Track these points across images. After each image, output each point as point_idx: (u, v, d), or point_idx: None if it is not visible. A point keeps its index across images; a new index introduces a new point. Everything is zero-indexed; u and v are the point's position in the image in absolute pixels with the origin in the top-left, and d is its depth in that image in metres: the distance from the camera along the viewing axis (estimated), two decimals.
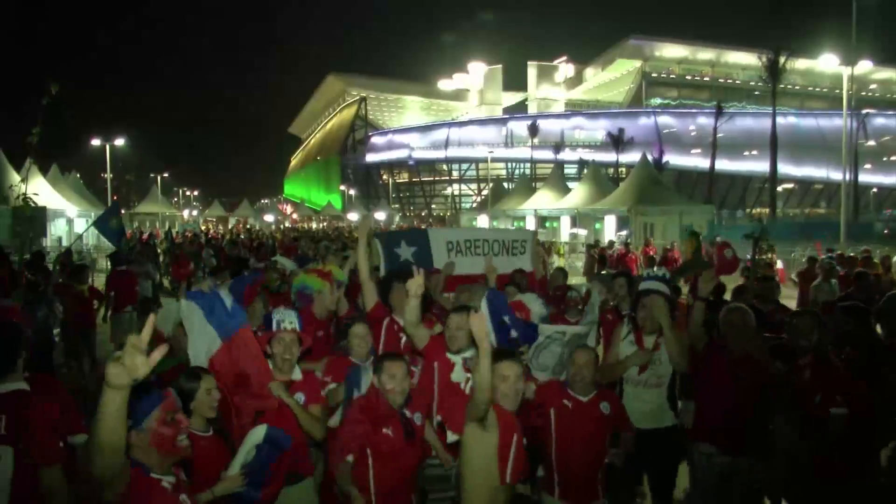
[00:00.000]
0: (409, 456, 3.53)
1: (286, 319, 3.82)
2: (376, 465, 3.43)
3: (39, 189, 19.62)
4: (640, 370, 4.50)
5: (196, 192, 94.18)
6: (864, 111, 56.21)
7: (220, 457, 3.24)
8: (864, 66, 35.51)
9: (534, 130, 71.33)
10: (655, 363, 4.54)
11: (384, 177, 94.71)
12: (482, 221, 43.04)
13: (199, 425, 3.23)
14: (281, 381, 3.67)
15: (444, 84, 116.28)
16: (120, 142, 39.20)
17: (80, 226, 31.90)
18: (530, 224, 35.07)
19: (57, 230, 28.42)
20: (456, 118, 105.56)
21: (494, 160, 74.58)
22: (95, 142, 38.51)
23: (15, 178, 19.71)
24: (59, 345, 8.20)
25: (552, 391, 3.91)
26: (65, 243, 27.95)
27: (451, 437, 3.53)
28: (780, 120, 46.45)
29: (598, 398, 3.85)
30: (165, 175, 66.73)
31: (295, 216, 65.59)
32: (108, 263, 11.94)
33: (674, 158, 65.00)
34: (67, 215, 28.70)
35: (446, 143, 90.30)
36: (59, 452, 3.31)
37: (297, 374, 3.84)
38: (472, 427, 3.29)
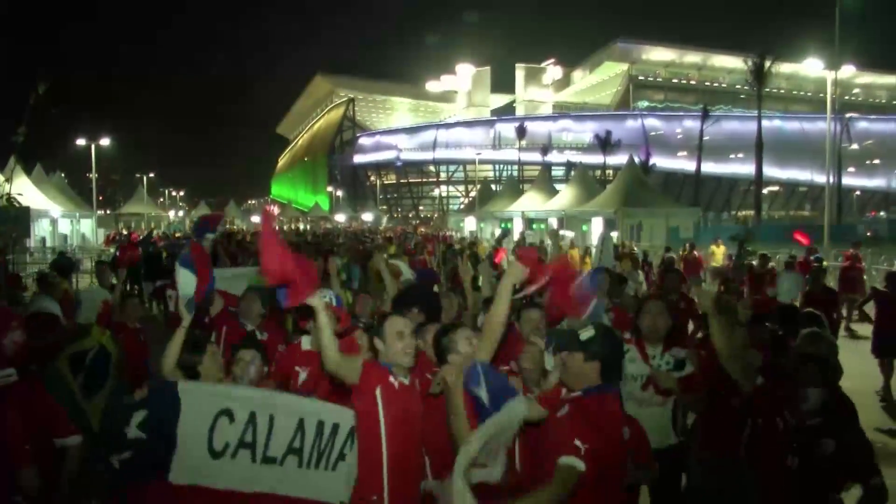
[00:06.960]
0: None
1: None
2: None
3: (23, 189, 19.40)
4: (644, 385, 3.93)
5: (182, 193, 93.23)
6: (848, 115, 56.84)
7: None
8: (848, 71, 35.99)
9: (521, 132, 71.40)
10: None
11: (371, 178, 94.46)
12: (469, 223, 43.05)
13: None
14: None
15: (432, 86, 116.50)
16: (105, 142, 38.75)
17: (64, 226, 31.58)
18: (518, 225, 35.16)
19: (41, 230, 28.11)
20: (444, 120, 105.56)
21: (482, 162, 74.61)
22: (80, 142, 37.99)
23: None
24: None
25: None
26: (49, 244, 27.67)
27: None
28: (765, 123, 46.78)
29: None
30: (151, 175, 66.00)
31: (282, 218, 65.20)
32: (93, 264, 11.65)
33: (660, 161, 65.33)
34: (51, 215, 28.41)
35: (434, 145, 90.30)
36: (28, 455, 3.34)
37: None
38: None
